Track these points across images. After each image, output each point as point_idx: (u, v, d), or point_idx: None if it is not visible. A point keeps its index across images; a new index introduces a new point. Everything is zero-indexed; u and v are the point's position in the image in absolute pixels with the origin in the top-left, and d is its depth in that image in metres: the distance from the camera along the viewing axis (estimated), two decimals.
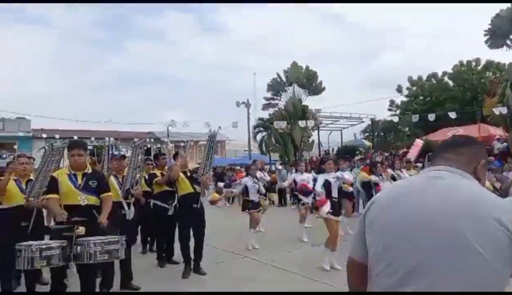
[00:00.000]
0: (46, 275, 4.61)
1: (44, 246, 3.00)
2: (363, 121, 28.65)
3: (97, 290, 4.07)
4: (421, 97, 33.49)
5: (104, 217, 3.53)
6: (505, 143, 16.21)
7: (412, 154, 8.90)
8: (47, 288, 4.41)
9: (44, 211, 4.72)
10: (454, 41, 66.19)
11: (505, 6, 16.83)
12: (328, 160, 6.10)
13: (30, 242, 3.01)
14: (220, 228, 8.53)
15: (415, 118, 21.40)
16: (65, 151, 4.12)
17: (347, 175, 7.75)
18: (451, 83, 32.91)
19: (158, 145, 28.20)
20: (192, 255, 5.56)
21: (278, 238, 8.13)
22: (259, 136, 28.61)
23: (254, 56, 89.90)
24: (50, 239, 3.12)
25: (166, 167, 6.59)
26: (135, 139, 6.13)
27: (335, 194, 5.57)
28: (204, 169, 5.59)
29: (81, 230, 3.09)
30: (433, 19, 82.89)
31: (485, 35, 17.50)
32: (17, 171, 4.35)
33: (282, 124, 22.43)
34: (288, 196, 14.72)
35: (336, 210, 5.53)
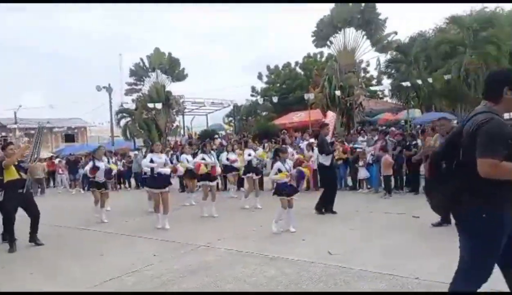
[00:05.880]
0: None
1: None
2: (225, 106, 31.09)
3: None
4: (278, 84, 37.69)
5: None
6: None
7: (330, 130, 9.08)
8: None
9: None
10: None
11: (326, 13, 20.66)
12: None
13: None
14: (73, 209, 9.23)
15: (260, 100, 24.60)
16: None
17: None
18: (302, 72, 37.83)
19: (3, 133, 25.73)
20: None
21: (125, 212, 9.33)
22: (123, 122, 28.34)
23: (124, 36, 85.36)
24: None
25: None
26: None
27: None
28: (31, 157, 6.40)
29: None
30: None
31: (312, 36, 21.18)
32: None
33: (132, 106, 24.31)
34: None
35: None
